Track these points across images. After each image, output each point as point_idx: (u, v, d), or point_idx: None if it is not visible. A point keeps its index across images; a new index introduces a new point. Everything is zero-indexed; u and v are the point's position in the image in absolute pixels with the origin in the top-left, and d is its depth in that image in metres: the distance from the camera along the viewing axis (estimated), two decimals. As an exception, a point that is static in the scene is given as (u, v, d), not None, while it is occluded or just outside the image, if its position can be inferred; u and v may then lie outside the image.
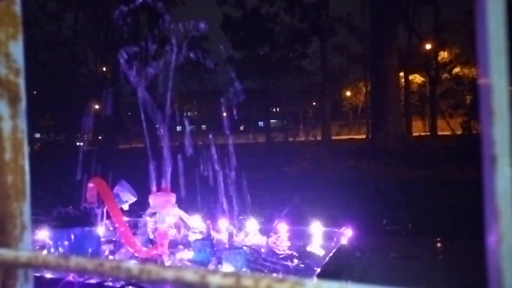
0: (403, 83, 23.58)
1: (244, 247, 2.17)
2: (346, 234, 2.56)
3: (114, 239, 2.39)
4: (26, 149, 0.48)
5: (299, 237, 2.72)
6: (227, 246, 2.19)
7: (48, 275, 1.73)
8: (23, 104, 0.48)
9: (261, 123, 35.61)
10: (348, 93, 32.92)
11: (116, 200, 2.28)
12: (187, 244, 2.31)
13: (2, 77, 0.46)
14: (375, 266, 2.25)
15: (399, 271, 2.20)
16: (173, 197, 2.32)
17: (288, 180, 7.11)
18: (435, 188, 6.05)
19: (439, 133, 21.37)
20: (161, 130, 2.42)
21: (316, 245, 2.65)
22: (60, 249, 2.13)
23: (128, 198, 2.39)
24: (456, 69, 24.96)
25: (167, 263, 2.07)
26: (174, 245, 2.33)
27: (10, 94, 0.46)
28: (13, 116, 0.47)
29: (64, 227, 2.19)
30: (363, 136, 24.96)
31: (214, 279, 0.33)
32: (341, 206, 4.30)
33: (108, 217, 2.31)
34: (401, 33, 20.00)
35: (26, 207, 0.47)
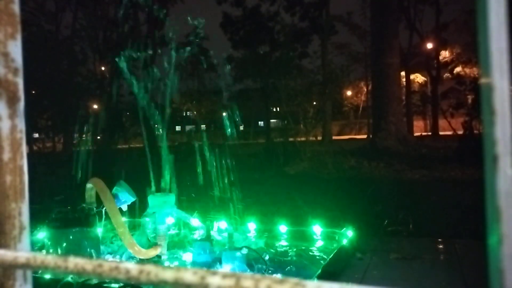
0: (404, 83, 23.54)
1: (244, 248, 2.16)
2: (347, 235, 2.57)
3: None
4: (24, 149, 0.47)
5: (300, 238, 2.72)
6: (227, 247, 2.19)
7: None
8: (21, 104, 0.47)
9: (261, 123, 35.53)
10: (349, 93, 32.84)
11: (115, 200, 2.28)
12: (186, 245, 2.31)
13: (0, 77, 0.46)
14: (376, 267, 2.25)
15: (400, 272, 2.20)
16: (172, 198, 2.32)
17: (288, 180, 7.10)
18: (437, 188, 6.04)
19: (441, 133, 21.33)
20: (160, 130, 2.41)
21: (317, 246, 2.65)
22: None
23: (127, 199, 2.38)
24: (458, 69, 24.90)
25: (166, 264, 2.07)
26: (173, 246, 2.33)
27: (8, 93, 0.46)
28: (12, 115, 0.46)
29: (62, 228, 2.18)
30: (364, 136, 24.92)
31: (214, 280, 0.33)
32: (342, 207, 4.29)
33: (107, 217, 2.31)
34: (402, 32, 20.03)
35: (24, 207, 0.47)
